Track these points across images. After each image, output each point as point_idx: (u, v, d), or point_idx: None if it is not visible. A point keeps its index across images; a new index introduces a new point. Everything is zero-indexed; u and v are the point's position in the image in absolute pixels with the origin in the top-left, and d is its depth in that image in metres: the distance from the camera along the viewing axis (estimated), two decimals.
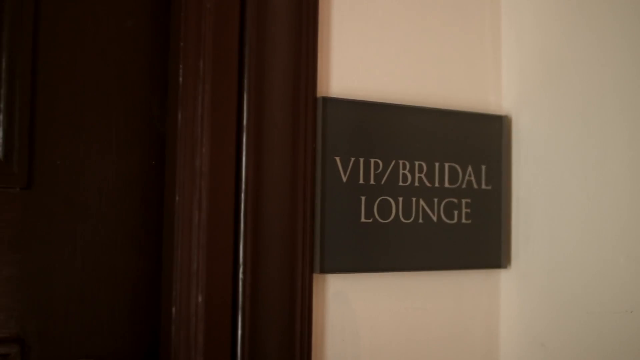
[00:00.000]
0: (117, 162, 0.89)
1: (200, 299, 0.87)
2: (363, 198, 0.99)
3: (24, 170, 0.84)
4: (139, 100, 0.90)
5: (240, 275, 0.89)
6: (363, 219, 0.98)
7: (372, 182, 0.99)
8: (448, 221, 1.05)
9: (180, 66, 0.89)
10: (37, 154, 0.85)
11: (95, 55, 0.88)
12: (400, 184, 1.01)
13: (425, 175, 1.03)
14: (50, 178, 0.85)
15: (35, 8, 0.86)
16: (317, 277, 0.95)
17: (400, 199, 1.01)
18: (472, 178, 1.07)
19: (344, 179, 0.97)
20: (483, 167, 1.08)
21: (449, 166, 1.05)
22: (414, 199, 1.02)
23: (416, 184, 1.03)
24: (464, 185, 1.07)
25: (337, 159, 0.97)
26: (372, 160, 0.99)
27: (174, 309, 0.87)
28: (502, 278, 1.10)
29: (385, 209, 1.00)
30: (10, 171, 0.84)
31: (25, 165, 0.84)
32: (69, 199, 0.86)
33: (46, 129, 0.86)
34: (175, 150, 0.89)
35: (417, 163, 1.03)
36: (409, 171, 1.02)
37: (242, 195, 0.90)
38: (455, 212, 1.06)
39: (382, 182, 1.00)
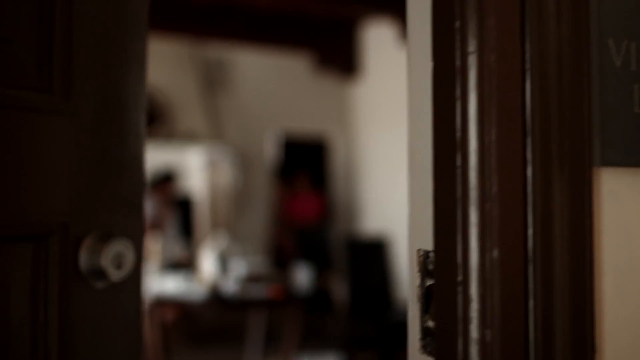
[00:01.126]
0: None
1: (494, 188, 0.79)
2: (636, 86, 0.89)
3: (73, 99, 1.11)
4: None
5: (529, 173, 0.81)
6: (636, 110, 0.89)
7: None
8: None
9: None
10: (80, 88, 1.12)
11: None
12: None
13: None
14: (91, 107, 1.13)
15: None
16: (594, 171, 0.87)
17: None
18: None
19: (617, 64, 0.88)
20: None
21: None
22: None
23: None
24: None
25: (610, 40, 0.88)
26: None
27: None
28: None
29: None
30: (65, 100, 1.10)
31: (71, 95, 1.11)
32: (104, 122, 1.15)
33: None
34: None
35: None
36: None
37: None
38: None
39: None
